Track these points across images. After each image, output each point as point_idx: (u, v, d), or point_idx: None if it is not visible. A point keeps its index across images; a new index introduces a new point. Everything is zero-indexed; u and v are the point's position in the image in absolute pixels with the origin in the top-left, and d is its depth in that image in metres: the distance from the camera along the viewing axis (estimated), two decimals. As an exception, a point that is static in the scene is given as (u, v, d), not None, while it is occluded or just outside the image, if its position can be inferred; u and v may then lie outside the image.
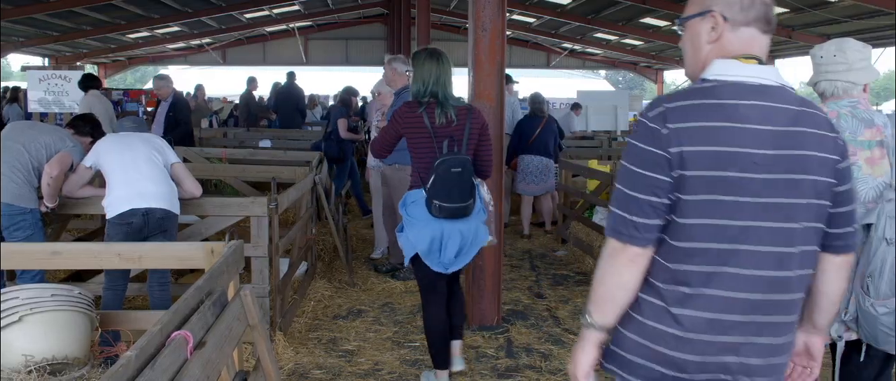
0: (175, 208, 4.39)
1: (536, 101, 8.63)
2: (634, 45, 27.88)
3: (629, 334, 1.79)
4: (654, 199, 1.69)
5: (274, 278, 4.65)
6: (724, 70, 1.74)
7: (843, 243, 1.83)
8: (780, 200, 1.67)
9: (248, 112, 13.71)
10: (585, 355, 1.84)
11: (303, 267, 5.94)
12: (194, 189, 4.59)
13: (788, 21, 19.27)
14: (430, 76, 3.93)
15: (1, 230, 4.31)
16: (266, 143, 9.46)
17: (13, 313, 2.92)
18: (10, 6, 21.22)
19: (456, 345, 4.14)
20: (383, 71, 6.59)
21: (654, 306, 1.75)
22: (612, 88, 32.81)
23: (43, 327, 2.93)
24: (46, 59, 30.68)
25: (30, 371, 2.62)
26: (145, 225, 4.28)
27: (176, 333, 2.10)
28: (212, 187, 8.60)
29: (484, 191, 4.01)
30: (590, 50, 30.35)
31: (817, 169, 1.71)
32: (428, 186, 3.73)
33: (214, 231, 4.81)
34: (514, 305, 5.78)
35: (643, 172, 1.70)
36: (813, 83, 2.81)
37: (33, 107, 12.43)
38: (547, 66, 31.51)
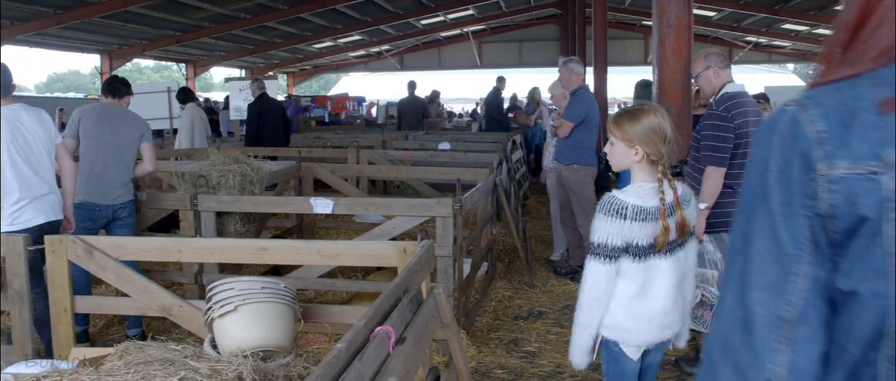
0: None
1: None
2: (827, 36, 25.88)
3: None
4: (728, 145, 4.01)
5: (458, 277, 4.74)
6: (730, 88, 4.19)
7: None
8: None
9: (412, 114, 14.16)
10: None
11: (484, 267, 6.02)
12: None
13: None
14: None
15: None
16: (445, 145, 9.67)
17: (229, 303, 3.18)
18: (213, 24, 23.28)
19: None
20: (558, 73, 6.60)
21: None
22: (802, 83, 30.53)
23: (254, 316, 3.17)
24: (243, 71, 33.30)
25: (246, 356, 2.83)
26: None
27: (379, 328, 2.19)
28: (394, 188, 8.94)
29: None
30: (776, 42, 28.49)
31: None
32: None
33: (400, 231, 4.98)
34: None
35: (725, 134, 4.01)
36: None
37: (234, 114, 13.51)
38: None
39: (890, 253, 0.85)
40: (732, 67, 4.66)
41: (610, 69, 13.54)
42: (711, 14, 24.65)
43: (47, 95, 46.08)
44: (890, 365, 0.86)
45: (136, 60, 33.42)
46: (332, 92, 36.67)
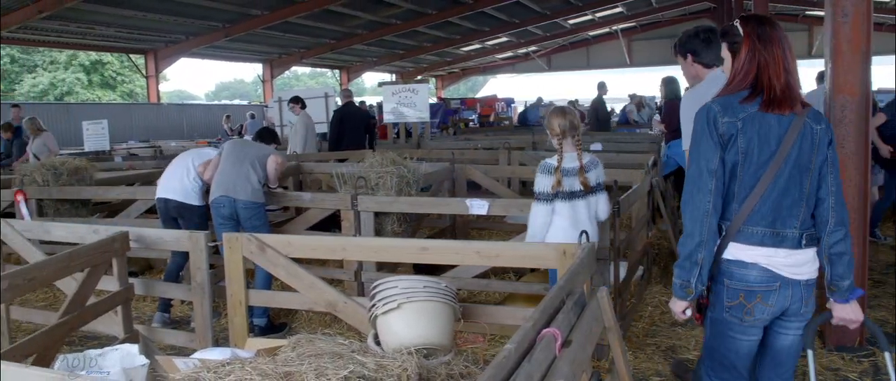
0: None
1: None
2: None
3: None
4: None
5: (614, 281, 4.65)
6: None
7: None
8: None
9: (596, 116, 14.00)
10: None
11: (639, 271, 5.87)
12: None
13: None
14: None
15: (240, 221, 5.58)
16: (597, 146, 9.51)
17: (392, 301, 3.27)
18: (365, 31, 24.13)
19: None
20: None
21: None
22: None
23: (416, 315, 3.24)
24: (394, 75, 34.31)
25: (410, 353, 2.90)
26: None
27: (545, 330, 2.18)
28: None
29: None
30: (967, 30, 25.90)
31: None
32: None
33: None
34: (881, 325, 5.11)
35: None
36: None
37: (387, 117, 13.80)
38: (904, 51, 27.45)
39: (740, 150, 2.48)
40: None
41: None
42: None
43: (216, 102, 49.57)
44: (740, 189, 2.51)
45: (293, 68, 35.32)
46: (480, 94, 37.03)
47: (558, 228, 4.04)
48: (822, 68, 6.00)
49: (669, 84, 8.89)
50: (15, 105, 14.39)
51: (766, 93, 2.48)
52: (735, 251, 2.52)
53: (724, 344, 2.65)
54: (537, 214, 4.08)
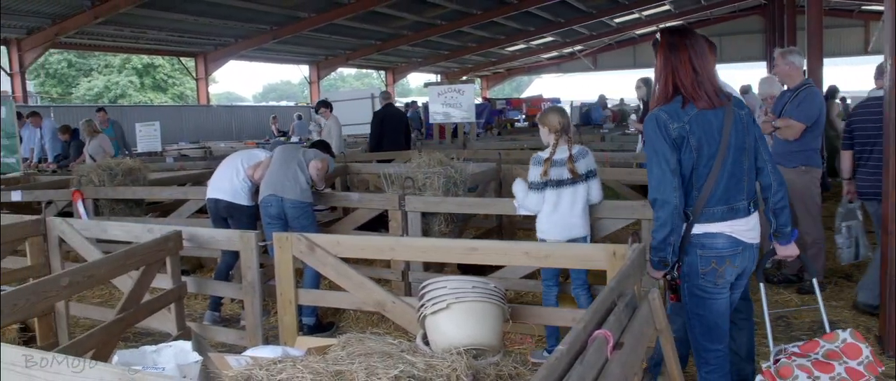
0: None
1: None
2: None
3: None
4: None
5: (663, 282, 4.58)
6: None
7: None
8: None
9: None
10: None
11: (689, 273, 5.77)
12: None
13: None
14: None
15: (288, 221, 5.59)
16: (638, 146, 9.39)
17: (441, 301, 3.28)
18: (411, 32, 24.23)
19: None
20: (776, 66, 6.06)
21: None
22: None
23: (465, 315, 3.24)
24: (438, 76, 34.37)
25: (459, 353, 2.90)
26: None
27: (597, 332, 2.16)
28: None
29: None
30: None
31: None
32: None
33: (604, 234, 4.90)
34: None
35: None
36: None
37: (433, 117, 13.86)
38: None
39: (693, 148, 2.97)
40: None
41: (825, 61, 12.51)
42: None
43: (263, 103, 50.29)
44: (697, 179, 3.02)
45: (339, 69, 35.65)
46: (525, 94, 36.87)
47: (543, 213, 4.54)
48: (880, 63, 5.80)
49: (648, 85, 8.63)
50: (100, 109, 14.83)
51: (682, 90, 3.01)
52: (702, 228, 3.04)
53: (705, 307, 3.14)
54: (532, 202, 4.55)
